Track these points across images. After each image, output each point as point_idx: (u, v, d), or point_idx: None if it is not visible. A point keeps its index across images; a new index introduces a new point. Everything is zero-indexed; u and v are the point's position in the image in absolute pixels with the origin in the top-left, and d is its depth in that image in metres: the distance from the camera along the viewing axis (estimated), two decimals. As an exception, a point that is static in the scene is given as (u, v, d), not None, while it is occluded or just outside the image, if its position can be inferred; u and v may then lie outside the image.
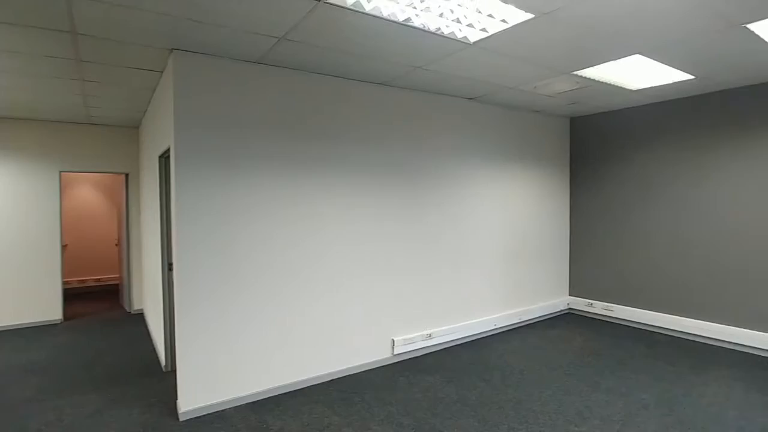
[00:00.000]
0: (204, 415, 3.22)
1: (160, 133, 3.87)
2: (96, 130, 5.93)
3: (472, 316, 4.81)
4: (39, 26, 2.72)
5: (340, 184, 3.85)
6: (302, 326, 3.67)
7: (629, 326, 5.25)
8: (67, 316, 5.99)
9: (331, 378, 3.82)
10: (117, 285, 8.21)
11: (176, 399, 3.37)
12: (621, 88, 4.30)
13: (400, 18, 2.65)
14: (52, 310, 5.74)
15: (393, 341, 4.16)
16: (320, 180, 3.74)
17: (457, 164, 4.66)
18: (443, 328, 4.52)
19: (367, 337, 4.04)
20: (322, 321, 3.77)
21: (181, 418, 3.17)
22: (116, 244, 7.35)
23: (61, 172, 5.74)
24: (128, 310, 6.33)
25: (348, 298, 3.92)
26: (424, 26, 2.78)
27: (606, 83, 4.12)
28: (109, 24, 2.68)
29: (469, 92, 4.46)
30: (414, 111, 4.30)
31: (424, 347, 4.37)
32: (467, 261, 4.77)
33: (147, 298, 5.65)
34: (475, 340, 4.83)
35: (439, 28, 2.83)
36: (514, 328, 5.23)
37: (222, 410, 3.28)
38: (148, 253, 5.34)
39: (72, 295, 7.37)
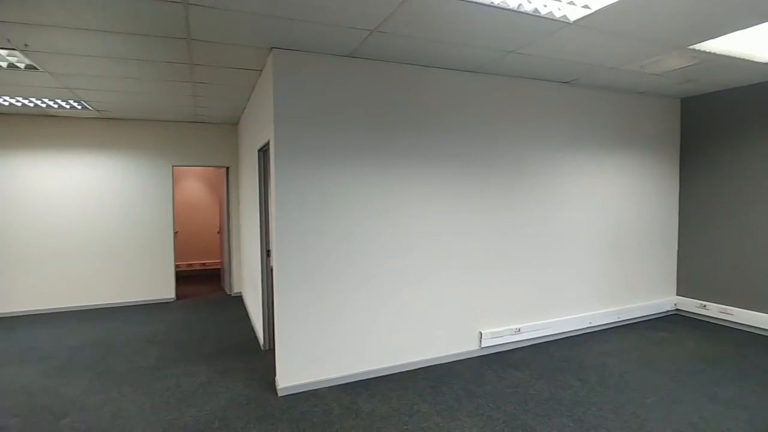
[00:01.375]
0: (300, 393, 3.42)
1: (259, 127, 4.13)
2: (202, 128, 6.51)
3: (564, 313, 4.57)
4: (160, 35, 3.03)
5: (427, 175, 3.84)
6: (391, 314, 3.74)
7: (752, 333, 4.65)
8: (178, 295, 6.68)
9: (418, 366, 3.86)
10: (219, 269, 8.99)
11: (275, 376, 3.62)
12: (749, 61, 3.78)
13: (495, 0, 2.55)
14: (167, 290, 6.45)
15: (480, 334, 4.09)
16: (408, 171, 3.76)
17: (549, 152, 4.42)
18: (533, 323, 4.35)
19: (454, 329, 4.01)
20: (409, 310, 3.82)
21: (280, 394, 3.40)
22: (218, 232, 8.03)
23: (173, 166, 6.39)
24: (228, 293, 6.91)
25: (435, 289, 3.92)
26: (520, 7, 2.65)
27: (730, 56, 3.64)
28: (219, 28, 2.91)
29: (564, 75, 4.20)
30: (503, 98, 4.15)
31: (512, 342, 4.24)
32: (559, 254, 4.52)
33: (245, 282, 6.11)
34: (568, 337, 4.58)
35: (535, 9, 2.69)
36: (611, 328, 4.88)
37: (316, 389, 3.47)
38: (247, 241, 5.76)
39: (181, 277, 8.20)
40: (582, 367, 3.85)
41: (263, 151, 4.13)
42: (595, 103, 4.68)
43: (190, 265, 8.96)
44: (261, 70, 3.83)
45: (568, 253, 4.57)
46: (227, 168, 6.70)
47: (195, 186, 9.06)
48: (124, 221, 6.20)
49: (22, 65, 3.65)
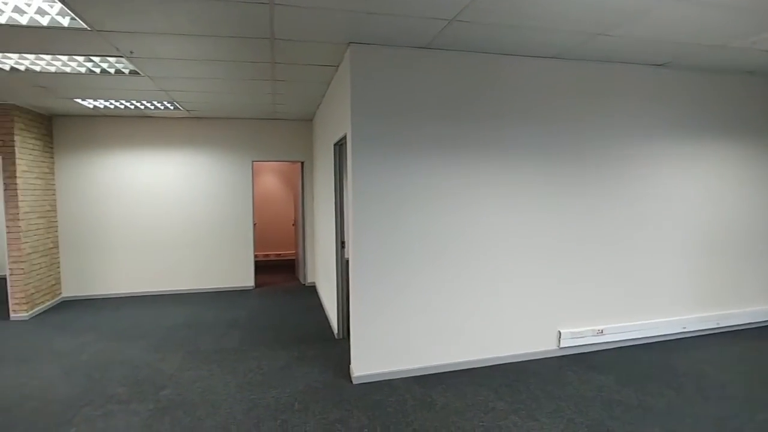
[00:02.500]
0: (374, 382, 3.48)
1: (335, 122, 4.23)
2: (278, 124, 6.81)
3: (654, 315, 4.23)
4: (246, 36, 3.19)
5: (506, 168, 3.72)
6: (466, 309, 3.69)
7: None
8: (257, 284, 7.08)
9: (493, 363, 3.77)
10: (293, 260, 9.41)
11: (349, 364, 3.71)
12: None
13: (585, -21, 2.40)
14: (247, 278, 6.85)
15: (559, 333, 3.90)
16: (487, 164, 3.66)
17: (639, 142, 4.09)
18: (617, 324, 4.08)
19: (531, 327, 3.87)
20: (485, 306, 3.74)
21: (354, 381, 3.48)
22: (293, 224, 8.38)
23: (253, 161, 6.76)
24: (303, 282, 7.20)
25: (512, 286, 3.80)
26: (613, -15, 2.47)
27: None
28: (301, 26, 3.00)
29: (657, 57, 3.86)
30: (589, 85, 3.90)
31: (594, 343, 4.01)
32: (650, 252, 4.18)
33: (319, 273, 6.33)
34: (657, 342, 4.24)
35: (630, -15, 2.49)
36: (709, 335, 4.44)
37: (390, 380, 3.51)
38: (321, 233, 5.95)
39: (258, 267, 8.67)
40: (675, 375, 3.54)
41: (339, 146, 4.23)
42: (693, 86, 4.26)
43: (267, 255, 9.45)
44: (337, 66, 3.92)
45: (660, 250, 4.21)
46: (302, 163, 6.96)
47: (271, 180, 9.53)
48: (209, 213, 6.68)
49: (127, 71, 4.03)
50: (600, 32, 3.21)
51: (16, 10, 2.71)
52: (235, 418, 2.99)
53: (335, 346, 4.30)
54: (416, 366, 3.59)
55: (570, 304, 3.96)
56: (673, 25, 3.08)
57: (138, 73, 4.09)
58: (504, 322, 3.80)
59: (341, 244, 4.32)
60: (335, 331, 4.60)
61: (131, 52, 3.51)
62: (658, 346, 4.16)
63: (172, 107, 5.66)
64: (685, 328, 4.29)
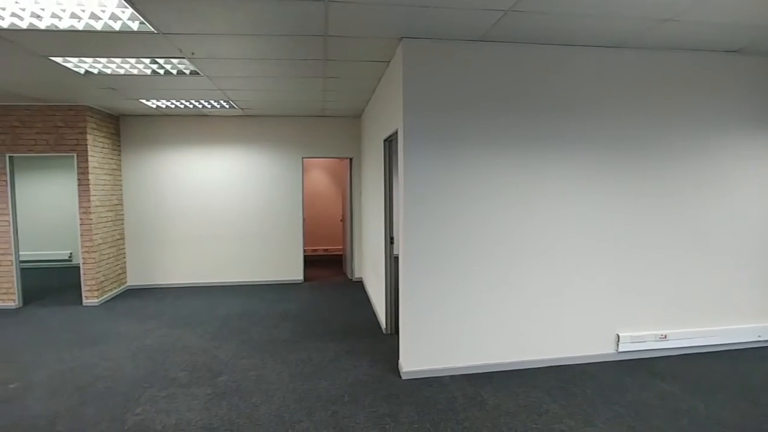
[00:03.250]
0: (423, 378, 3.47)
1: (385, 118, 4.24)
2: (328, 121, 6.92)
3: (724, 322, 3.94)
4: (301, 34, 3.25)
5: (565, 163, 3.58)
6: (519, 308, 3.60)
7: None
8: (306, 277, 7.24)
9: (545, 365, 3.66)
10: (340, 255, 9.55)
11: (398, 359, 3.72)
12: None
13: (656, -39, 2.25)
14: (296, 272, 7.03)
15: (618, 337, 3.72)
16: (543, 160, 3.54)
17: (710, 135, 3.81)
18: (682, 330, 3.83)
19: (587, 329, 3.71)
20: (539, 306, 3.62)
21: (403, 377, 3.48)
22: (341, 220, 8.50)
23: (303, 158, 6.91)
24: (350, 277, 7.29)
25: (568, 286, 3.66)
26: (686, -35, 2.30)
27: None
28: (354, 23, 3.02)
29: (730, 43, 3.57)
30: (655, 74, 3.68)
31: (656, 349, 3.79)
32: (721, 254, 3.90)
33: (366, 268, 6.38)
34: (728, 350, 3.95)
35: (706, -35, 2.31)
36: (787, 344, 4.09)
37: (439, 377, 3.48)
38: (368, 228, 6.00)
39: (307, 261, 8.88)
40: (750, 387, 3.28)
41: (389, 141, 4.24)
42: (772, 74, 3.91)
43: (315, 250, 9.65)
44: (389, 62, 3.92)
45: (732, 252, 3.92)
46: (350, 159, 7.04)
47: (319, 177, 9.71)
48: (261, 209, 6.90)
49: (188, 71, 4.22)
50: (668, 18, 3.01)
51: (92, 16, 2.90)
52: (288, 406, 3.08)
53: (383, 341, 4.33)
54: (466, 364, 3.55)
55: (630, 307, 3.76)
56: (752, 6, 2.84)
57: (198, 73, 4.27)
58: (558, 323, 3.67)
59: (390, 240, 4.33)
60: (383, 326, 4.62)
61: (192, 53, 3.67)
62: (728, 354, 3.87)
63: (227, 106, 5.89)
64: (760, 336, 3.96)
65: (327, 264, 8.82)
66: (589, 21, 3.04)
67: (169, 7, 2.77)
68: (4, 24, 3.01)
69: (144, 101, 5.56)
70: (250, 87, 4.87)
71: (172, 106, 5.86)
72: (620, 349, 3.72)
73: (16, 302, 5.78)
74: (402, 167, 3.39)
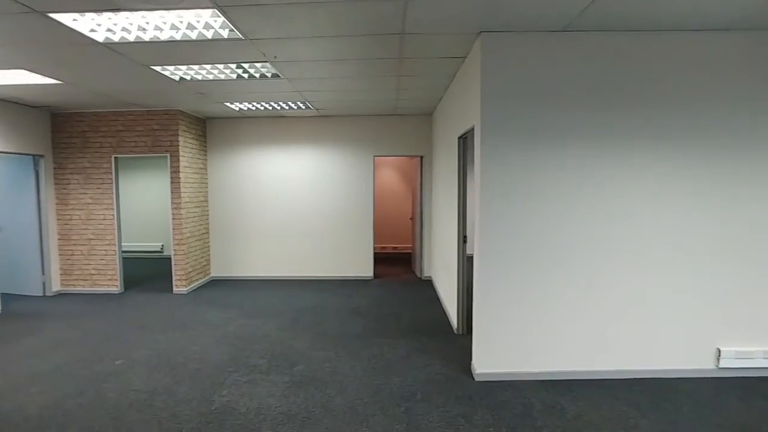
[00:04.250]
0: (497, 381, 3.38)
1: (460, 114, 4.18)
2: (399, 120, 6.96)
3: None
4: (379, 33, 3.29)
5: (656, 161, 3.30)
6: (603, 316, 3.38)
7: None
8: (375, 274, 7.35)
9: (632, 376, 3.40)
10: (409, 253, 9.59)
11: (470, 360, 3.66)
12: None
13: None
14: (366, 269, 7.15)
15: (718, 351, 3.37)
16: (630, 156, 3.29)
17: (837, 126, 3.33)
18: (797, 347, 3.39)
19: (681, 341, 3.40)
20: (625, 313, 3.38)
21: (476, 379, 3.42)
22: (410, 218, 8.53)
23: (374, 156, 7.01)
24: (419, 276, 7.29)
25: (660, 293, 3.37)
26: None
27: None
28: (432, 19, 3.01)
29: None
30: (764, 60, 3.28)
31: (765, 367, 3.38)
32: None
33: (436, 267, 6.34)
34: None
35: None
36: None
37: (514, 381, 3.37)
38: (439, 227, 5.95)
39: (376, 259, 9.00)
40: None
41: (463, 138, 4.17)
42: None
43: (383, 248, 9.76)
44: (465, 57, 3.85)
45: None
46: (421, 157, 7.03)
47: (389, 175, 9.81)
48: (334, 206, 7.10)
49: (269, 74, 4.44)
50: (789, -5, 2.67)
51: (189, 26, 3.14)
52: (361, 399, 3.14)
53: (455, 341, 4.27)
54: (542, 370, 3.40)
55: (734, 319, 3.39)
56: None
57: (279, 76, 4.48)
58: (647, 333, 3.40)
59: (463, 239, 4.27)
60: (454, 325, 4.56)
61: (275, 57, 3.85)
62: None
63: (304, 107, 6.12)
64: None
65: (396, 262, 8.88)
66: (684, 2, 2.77)
67: (256, 14, 2.92)
68: (115, 38, 3.34)
69: (228, 104, 5.93)
70: (325, 88, 5.03)
71: (253, 108, 6.20)
72: (721, 365, 3.36)
73: (119, 288, 6.44)
74: (478, 164, 3.32)
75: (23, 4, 2.73)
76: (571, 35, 3.24)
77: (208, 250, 7.24)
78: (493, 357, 3.41)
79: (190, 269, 6.55)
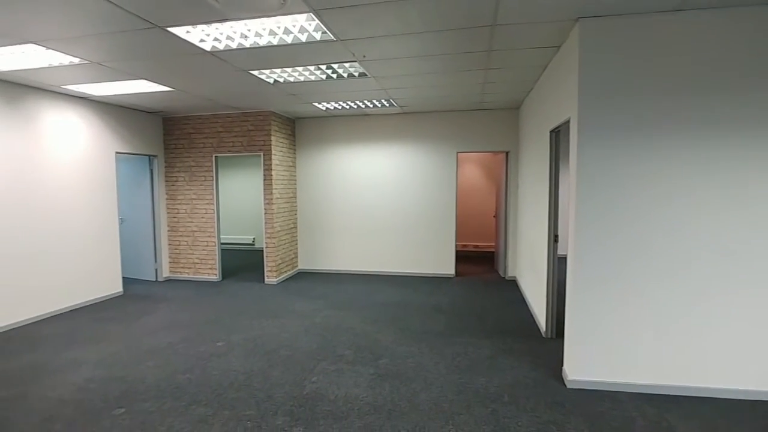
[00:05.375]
0: (592, 390, 3.17)
1: (553, 107, 3.97)
2: (484, 115, 6.79)
3: None
4: (468, 27, 3.23)
5: (786, 149, 2.88)
6: (719, 329, 3.01)
7: None
8: (457, 273, 7.26)
9: (751, 398, 3.00)
10: (491, 252, 9.35)
11: (561, 365, 3.47)
12: None
13: None
14: (448, 267, 7.09)
15: None
16: (759, 147, 2.90)
17: None
18: None
19: (818, 359, 2.95)
20: (750, 328, 2.98)
21: (568, 385, 3.23)
22: (494, 216, 8.30)
23: (457, 152, 6.91)
24: (502, 275, 7.07)
25: (787, 302, 2.95)
26: None
27: None
28: (525, 8, 2.88)
29: None
30: None
31: None
32: None
33: (522, 267, 6.11)
34: None
35: None
36: None
37: (611, 391, 3.14)
38: (526, 225, 5.72)
39: (457, 257, 8.86)
40: None
41: (556, 132, 3.96)
42: None
43: (465, 246, 9.61)
44: (559, 47, 3.65)
45: None
46: (507, 152, 6.80)
47: (472, 171, 9.62)
48: (416, 203, 7.12)
49: (357, 74, 4.55)
50: None
51: (285, 31, 3.32)
52: (446, 397, 3.12)
53: (543, 344, 4.08)
54: (645, 382, 3.12)
55: None
56: None
57: (366, 75, 4.58)
58: (765, 350, 2.99)
59: (554, 239, 4.05)
60: (542, 328, 4.36)
61: (364, 56, 3.94)
62: None
63: (388, 104, 6.20)
64: None
65: (478, 260, 8.70)
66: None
67: (348, 15, 3.01)
68: (221, 46, 3.63)
69: (316, 104, 6.19)
70: (410, 85, 5.04)
71: (339, 107, 6.41)
72: None
73: (218, 276, 7.01)
74: (574, 159, 3.13)
75: (147, 21, 3.07)
76: (687, 15, 2.91)
77: (296, 244, 7.63)
78: (587, 364, 3.20)
79: (280, 261, 6.95)
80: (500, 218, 7.11)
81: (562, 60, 3.59)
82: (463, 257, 9.01)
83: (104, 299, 5.87)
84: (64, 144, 5.34)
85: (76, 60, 3.92)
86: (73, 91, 5.15)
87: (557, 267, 4.08)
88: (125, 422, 2.83)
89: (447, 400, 3.07)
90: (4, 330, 4.65)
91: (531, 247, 5.18)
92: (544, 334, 4.29)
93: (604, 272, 3.12)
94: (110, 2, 2.74)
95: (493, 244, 9.44)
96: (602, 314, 3.15)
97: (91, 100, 5.70)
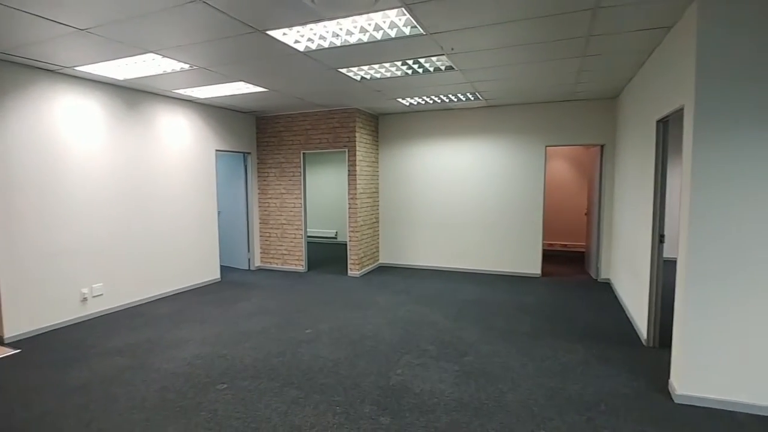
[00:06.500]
0: (705, 408, 2.86)
1: (662, 94, 3.61)
2: (576, 106, 6.38)
3: None
4: (566, 11, 3.04)
5: None
6: None
7: None
8: (543, 272, 6.93)
9: None
10: (581, 252, 8.80)
11: (668, 378, 3.17)
12: None
13: None
14: (533, 266, 6.79)
15: None
16: None
17: None
18: None
19: None
20: None
21: (676, 400, 2.94)
22: (585, 214, 7.80)
23: (546, 146, 6.58)
24: (594, 277, 6.62)
25: None
26: None
27: None
28: (635, -15, 2.65)
29: None
30: None
31: None
32: None
33: (618, 269, 5.66)
34: None
35: None
36: None
37: (730, 411, 2.81)
38: (623, 224, 5.29)
39: (543, 256, 8.47)
40: None
41: (664, 122, 3.61)
42: None
43: (551, 245, 9.15)
44: (671, 27, 3.31)
45: None
46: (602, 146, 6.33)
47: (560, 166, 9.12)
48: (499, 198, 6.91)
49: (443, 67, 4.50)
50: None
51: (376, 27, 3.36)
52: (536, 400, 2.99)
53: (644, 353, 3.76)
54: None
55: None
56: None
57: (452, 68, 4.51)
58: None
59: (659, 239, 3.70)
60: (642, 336, 4.02)
61: (452, 49, 3.88)
62: None
63: (473, 98, 6.07)
64: None
65: (565, 260, 8.24)
66: None
67: (440, 7, 2.97)
68: (313, 46, 3.78)
69: (400, 100, 6.22)
70: (498, 76, 4.88)
71: (423, 102, 6.39)
72: None
73: (304, 267, 7.36)
74: (688, 151, 2.82)
75: (249, 26, 3.27)
76: (836, -20, 2.50)
77: (378, 238, 7.76)
78: (699, 378, 2.89)
79: (362, 255, 7.12)
80: (593, 216, 6.65)
81: (674, 41, 3.25)
82: (549, 256, 8.58)
83: (205, 284, 6.43)
84: (174, 144, 5.92)
85: (186, 66, 4.31)
86: (181, 94, 5.67)
87: (663, 270, 3.72)
88: (227, 397, 3.08)
89: (537, 404, 2.94)
90: (129, 306, 5.29)
91: (630, 247, 4.78)
92: (645, 343, 3.94)
93: (722, 274, 2.78)
94: (218, 10, 2.96)
95: (583, 243, 8.87)
96: (715, 323, 2.82)
97: (196, 103, 6.24)
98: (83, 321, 4.78)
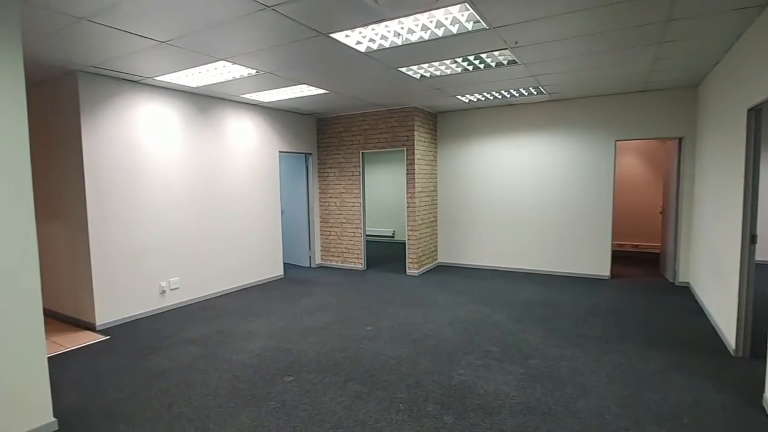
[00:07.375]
0: (807, 427, 2.58)
1: (755, 80, 3.29)
2: (649, 97, 5.97)
3: None
4: (643, -6, 2.86)
5: None
6: None
7: None
8: (612, 274, 6.55)
9: None
10: (654, 253, 8.23)
11: (762, 392, 2.88)
12: None
13: None
14: (601, 267, 6.43)
15: None
16: None
17: None
18: None
19: None
20: None
21: (772, 417, 2.67)
22: (660, 212, 7.29)
23: (616, 140, 6.21)
24: (671, 280, 6.15)
25: None
26: None
27: None
28: (724, -39, 2.43)
29: None
30: None
31: None
32: None
33: (699, 271, 5.23)
34: None
35: None
36: None
37: (839, 432, 2.51)
38: (705, 223, 4.88)
39: (612, 257, 8.02)
40: None
41: (757, 111, 3.28)
42: None
43: (621, 245, 8.62)
44: (765, 5, 3.00)
45: None
46: (680, 139, 5.87)
47: (631, 161, 8.58)
48: (564, 196, 6.61)
49: (506, 62, 4.38)
50: None
51: (438, 24, 3.34)
52: (608, 408, 2.83)
53: (731, 363, 3.45)
54: None
55: None
56: None
57: (515, 62, 4.38)
58: None
59: (750, 239, 3.37)
60: (730, 345, 3.68)
61: (516, 42, 3.77)
62: None
63: (536, 92, 5.85)
64: None
65: (637, 262, 7.73)
66: None
67: (505, 1, 2.89)
68: (374, 46, 3.81)
69: (459, 97, 6.14)
70: (564, 69, 4.68)
71: (483, 99, 6.26)
72: None
73: (363, 265, 7.47)
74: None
75: (313, 29, 3.37)
76: None
77: (436, 237, 7.71)
78: (801, 393, 2.60)
79: (421, 253, 7.10)
80: (669, 214, 6.18)
81: (769, 21, 2.95)
82: (619, 257, 8.10)
83: (269, 281, 6.71)
84: (240, 146, 6.22)
85: (253, 71, 4.51)
86: (248, 99, 5.95)
87: (754, 274, 3.39)
88: (294, 389, 3.19)
89: (610, 412, 2.78)
90: (202, 300, 5.64)
91: (713, 248, 4.39)
92: (733, 352, 3.61)
93: (832, 282, 2.49)
94: (286, 16, 3.07)
95: (657, 243, 8.28)
96: (826, 334, 2.52)
97: (261, 106, 6.52)
98: (162, 312, 5.15)
